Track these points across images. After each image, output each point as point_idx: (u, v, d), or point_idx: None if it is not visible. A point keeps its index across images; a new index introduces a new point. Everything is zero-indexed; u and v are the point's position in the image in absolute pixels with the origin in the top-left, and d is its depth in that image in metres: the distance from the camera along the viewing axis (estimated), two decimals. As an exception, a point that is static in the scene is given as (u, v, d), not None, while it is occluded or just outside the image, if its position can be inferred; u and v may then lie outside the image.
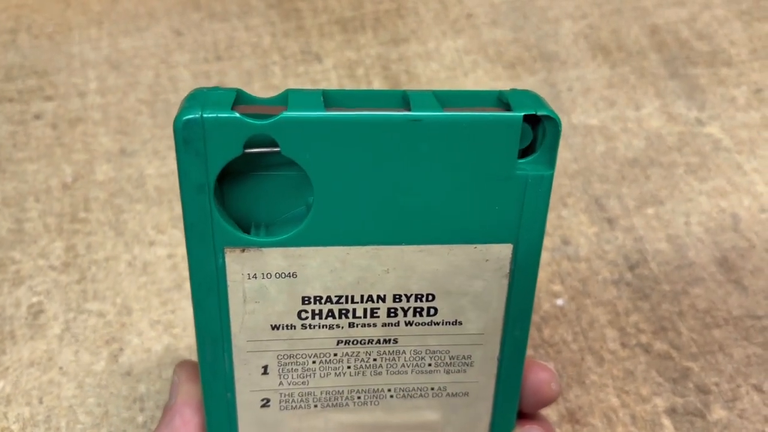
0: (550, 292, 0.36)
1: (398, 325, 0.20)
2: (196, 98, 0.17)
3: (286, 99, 0.18)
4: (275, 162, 0.18)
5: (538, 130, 0.19)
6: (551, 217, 0.38)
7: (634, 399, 0.33)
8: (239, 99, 0.18)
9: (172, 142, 0.41)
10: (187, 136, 0.17)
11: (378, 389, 0.21)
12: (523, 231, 0.19)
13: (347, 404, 0.21)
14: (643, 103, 0.43)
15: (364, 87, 0.43)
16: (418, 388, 0.21)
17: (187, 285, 0.36)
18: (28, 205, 0.38)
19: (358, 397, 0.21)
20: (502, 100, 0.19)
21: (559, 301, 0.35)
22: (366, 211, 0.19)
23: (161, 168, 0.40)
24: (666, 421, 0.32)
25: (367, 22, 0.46)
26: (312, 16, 0.46)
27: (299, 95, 0.18)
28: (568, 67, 0.45)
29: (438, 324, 0.20)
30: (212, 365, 0.20)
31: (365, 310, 0.20)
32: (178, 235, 0.37)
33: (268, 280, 0.19)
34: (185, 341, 0.34)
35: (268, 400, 0.21)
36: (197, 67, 0.44)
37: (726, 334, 0.35)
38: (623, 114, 0.43)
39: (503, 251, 0.19)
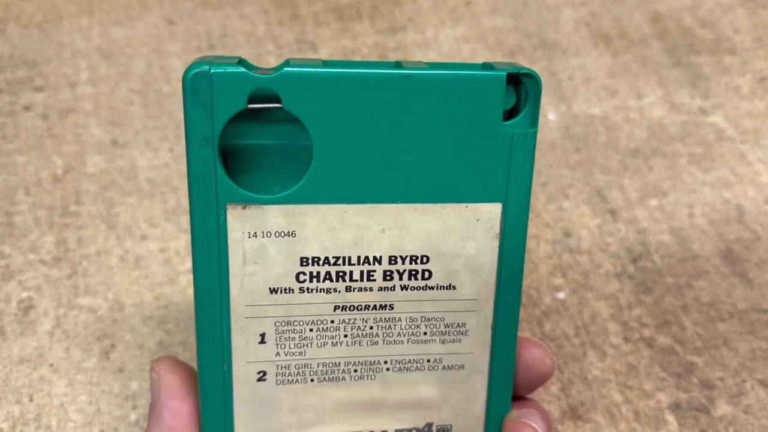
0: (552, 286, 0.35)
1: (394, 290, 0.21)
2: (204, 59, 0.19)
3: (287, 64, 0.19)
4: (277, 118, 0.19)
5: (521, 91, 0.20)
6: (552, 209, 0.38)
7: (638, 394, 0.32)
8: (243, 63, 0.19)
9: (165, 133, 0.40)
10: (195, 88, 0.18)
11: (374, 361, 0.22)
12: (511, 190, 0.20)
13: (344, 378, 0.22)
14: (645, 92, 0.42)
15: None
16: (414, 359, 0.22)
17: (181, 279, 0.35)
18: (17, 198, 0.37)
19: (355, 370, 0.22)
20: (486, 67, 0.20)
21: (561, 295, 0.35)
22: (362, 169, 0.20)
23: (153, 160, 0.39)
24: (670, 417, 0.31)
25: (364, 10, 0.45)
26: (307, 4, 0.45)
27: (300, 60, 0.19)
28: (569, 56, 0.44)
29: (432, 288, 0.21)
30: (210, 333, 0.20)
31: (362, 272, 0.21)
32: (171, 228, 0.37)
33: (267, 239, 0.20)
34: (178, 337, 0.33)
35: (265, 373, 0.21)
36: (190, 57, 0.43)
37: (731, 328, 0.34)
38: (625, 103, 0.42)
39: (493, 210, 0.21)
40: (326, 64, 0.19)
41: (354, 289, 0.21)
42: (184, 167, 0.39)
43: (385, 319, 0.21)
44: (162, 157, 0.39)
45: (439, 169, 0.20)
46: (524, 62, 0.43)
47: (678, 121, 0.41)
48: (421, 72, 0.19)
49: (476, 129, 0.20)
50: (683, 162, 0.39)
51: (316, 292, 0.21)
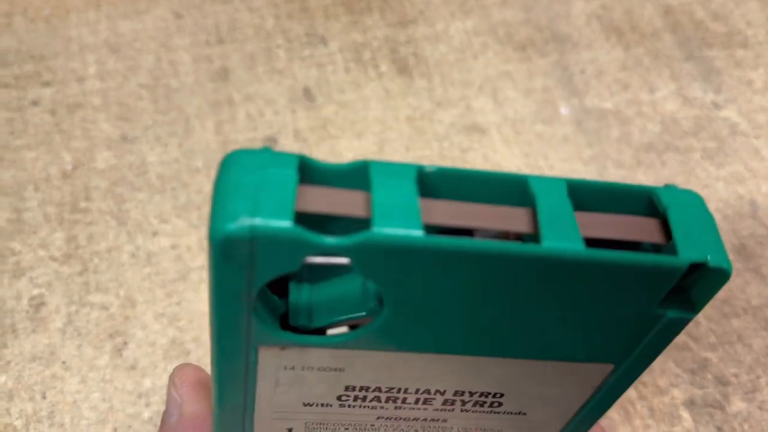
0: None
1: (453, 411, 0.17)
2: (242, 183, 0.12)
3: (366, 178, 0.12)
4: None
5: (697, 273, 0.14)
6: (565, 204, 0.37)
7: (652, 391, 0.32)
8: (303, 174, 0.12)
9: (174, 128, 0.40)
10: (228, 253, 0.12)
11: None
12: (632, 357, 0.15)
13: None
14: (657, 85, 0.42)
15: (371, 71, 0.42)
16: None
17: (193, 275, 0.35)
18: (27, 194, 0.37)
19: None
20: (656, 205, 0.13)
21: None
22: (443, 328, 0.14)
23: (163, 155, 0.39)
24: (684, 414, 0.31)
25: (374, 3, 0.45)
26: (316, -3, 0.45)
27: (385, 183, 0.12)
28: (581, 49, 0.43)
29: (499, 413, 0.17)
30: (227, 428, 0.17)
31: (417, 399, 0.17)
32: (182, 224, 0.36)
33: (309, 371, 0.15)
34: (191, 334, 0.33)
35: None
36: (198, 51, 0.43)
37: (745, 324, 0.34)
38: (638, 97, 0.41)
39: (601, 369, 0.16)
40: (423, 182, 0.13)
41: (405, 408, 0.17)
42: (194, 162, 0.38)
43: (434, 427, 0.18)
44: (172, 152, 0.39)
45: (549, 334, 0.15)
46: (535, 55, 0.43)
47: (691, 116, 0.41)
48: (566, 253, 0.12)
49: (618, 307, 0.14)
50: (696, 157, 0.39)
51: (359, 408, 0.17)
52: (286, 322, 0.15)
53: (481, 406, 0.17)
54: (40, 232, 0.36)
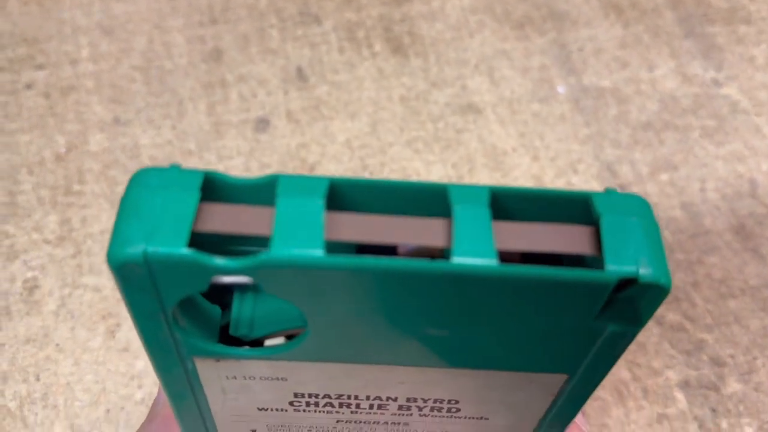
0: (559, 263, 0.35)
1: (411, 416, 0.17)
2: (139, 205, 0.11)
3: (272, 194, 0.12)
4: None
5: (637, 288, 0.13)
6: (561, 183, 0.37)
7: (646, 372, 0.32)
8: (207, 191, 0.12)
9: (167, 111, 0.40)
10: (127, 277, 0.12)
11: None
12: (586, 368, 0.14)
13: None
14: (657, 63, 0.41)
15: (364, 51, 0.42)
16: None
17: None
18: (21, 178, 0.37)
19: None
20: (592, 213, 0.12)
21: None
22: (371, 341, 0.14)
23: (156, 138, 0.38)
24: (679, 395, 0.31)
25: (369, -19, 0.44)
26: (311, -23, 0.45)
27: (291, 198, 0.12)
28: (579, 27, 0.43)
29: (459, 418, 0.17)
30: (193, 429, 0.17)
31: (371, 405, 0.16)
32: (175, 207, 0.36)
33: (252, 381, 0.15)
34: (184, 316, 0.33)
35: None
36: (192, 32, 0.42)
37: (742, 305, 0.33)
38: (636, 75, 0.41)
39: (555, 379, 0.15)
40: (333, 196, 0.12)
41: (362, 413, 0.16)
42: (188, 145, 0.38)
43: (397, 430, 0.17)
44: (165, 134, 0.39)
45: (488, 345, 0.14)
46: (533, 33, 0.42)
47: (690, 93, 0.40)
48: (475, 268, 0.11)
49: (552, 322, 0.13)
50: (695, 135, 0.39)
51: (315, 412, 0.16)
52: (227, 333, 0.15)
53: (439, 411, 0.16)
54: (33, 215, 0.36)
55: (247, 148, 0.38)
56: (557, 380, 0.15)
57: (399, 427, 0.17)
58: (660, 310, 0.33)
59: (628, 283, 0.12)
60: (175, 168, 0.12)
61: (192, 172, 0.12)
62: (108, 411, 0.31)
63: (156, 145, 0.38)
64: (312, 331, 0.13)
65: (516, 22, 0.43)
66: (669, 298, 0.33)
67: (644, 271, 0.11)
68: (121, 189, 0.37)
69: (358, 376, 0.15)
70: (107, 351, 0.32)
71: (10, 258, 0.35)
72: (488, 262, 0.11)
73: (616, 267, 0.11)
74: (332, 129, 0.39)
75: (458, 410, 0.16)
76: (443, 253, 0.12)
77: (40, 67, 0.41)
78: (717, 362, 0.32)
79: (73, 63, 0.41)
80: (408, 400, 0.16)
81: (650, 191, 0.37)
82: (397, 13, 0.43)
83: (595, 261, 0.12)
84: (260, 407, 0.16)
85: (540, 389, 0.15)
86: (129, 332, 0.33)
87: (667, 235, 0.35)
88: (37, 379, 0.31)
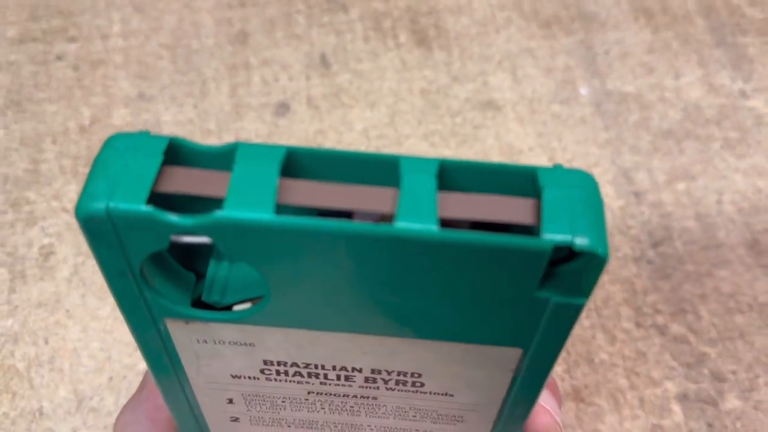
0: (566, 266, 0.34)
1: (378, 389, 0.17)
2: (107, 166, 0.12)
3: (231, 162, 0.13)
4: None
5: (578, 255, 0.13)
6: (574, 187, 0.37)
7: (645, 381, 0.31)
8: (171, 155, 0.13)
9: (191, 89, 0.40)
10: (94, 231, 0.13)
11: (358, 424, 0.19)
12: (539, 342, 0.15)
13: (323, 428, 0.19)
14: (684, 71, 0.40)
15: (389, 41, 0.42)
16: (402, 429, 0.19)
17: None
18: (45, 146, 0.38)
19: (336, 426, 0.19)
20: (536, 186, 0.13)
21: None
22: (330, 307, 0.14)
23: (178, 115, 0.39)
24: (676, 407, 0.31)
25: (399, -28, 0.44)
26: (341, -36, 0.45)
27: (248, 164, 0.12)
28: (608, 29, 0.42)
29: (425, 393, 0.17)
30: (173, 396, 0.18)
31: (338, 376, 0.17)
32: (191, 184, 0.37)
33: (222, 345, 0.16)
34: (191, 292, 0.34)
35: (238, 419, 0.19)
36: (220, 14, 0.43)
37: (749, 321, 0.33)
38: (661, 82, 0.40)
39: (510, 353, 0.15)
40: (290, 164, 0.13)
41: (330, 384, 0.17)
42: (208, 124, 0.39)
43: (367, 404, 0.18)
44: (187, 112, 0.39)
45: (442, 314, 0.14)
46: (560, 33, 0.42)
47: (715, 104, 0.39)
48: (417, 233, 0.12)
49: (497, 292, 0.14)
50: (717, 146, 0.38)
51: (286, 382, 0.17)
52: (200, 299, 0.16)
53: (404, 385, 0.17)
54: (54, 183, 0.37)
55: (266, 131, 0.38)
56: (513, 355, 0.15)
57: (368, 401, 0.18)
58: (665, 320, 0.33)
59: (569, 255, 0.13)
60: (145, 134, 0.13)
61: (159, 138, 0.13)
62: (111, 378, 0.31)
63: (177, 122, 0.39)
64: (273, 294, 0.14)
65: (543, 20, 0.42)
66: (674, 309, 0.33)
67: (581, 241, 0.12)
68: (140, 163, 0.38)
69: (322, 344, 0.15)
70: (115, 320, 0.33)
71: (29, 224, 0.36)
72: (429, 227, 0.12)
73: (551, 235, 0.12)
74: (350, 117, 0.39)
75: (422, 385, 0.17)
76: (390, 220, 0.12)
77: (72, 39, 0.42)
78: (718, 377, 0.32)
79: (104, 38, 0.42)
80: (373, 371, 0.16)
81: (665, 200, 0.36)
82: (424, 5, 0.43)
83: (538, 231, 0.12)
84: (233, 374, 0.17)
85: (498, 364, 0.16)
86: (137, 304, 0.33)
87: (678, 245, 0.35)
88: (46, 343, 0.32)
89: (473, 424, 0.18)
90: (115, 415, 0.31)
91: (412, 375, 0.16)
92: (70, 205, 0.36)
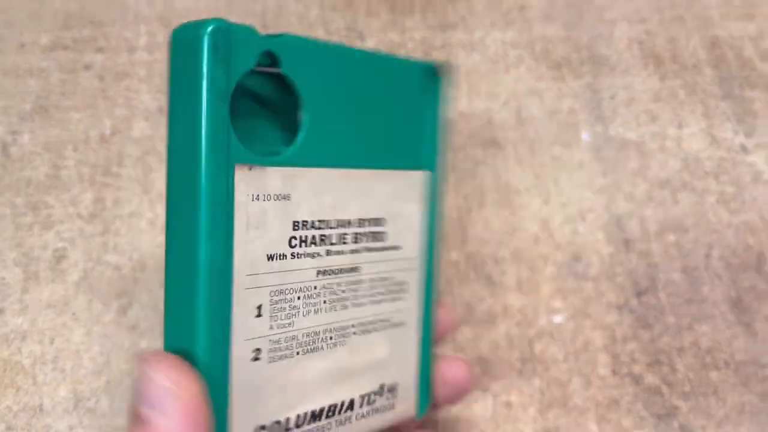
0: (550, 308, 0.36)
1: (360, 252, 0.24)
2: (201, 20, 0.20)
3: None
4: (269, 89, 0.22)
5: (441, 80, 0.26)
6: (566, 231, 0.38)
7: (614, 429, 0.32)
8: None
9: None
10: (216, 43, 0.19)
11: (345, 326, 0.24)
12: (430, 161, 0.26)
13: (321, 347, 0.23)
14: (687, 121, 0.41)
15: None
16: (372, 320, 0.24)
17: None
18: (66, 153, 0.40)
19: (330, 338, 0.23)
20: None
21: (557, 318, 0.35)
22: (341, 136, 0.23)
23: (193, 132, 0.41)
24: (642, 456, 0.32)
25: (417, 3, 0.46)
26: (362, -8, 0.46)
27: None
28: (616, 74, 0.43)
29: (386, 249, 0.25)
30: (215, 311, 0.19)
31: (338, 235, 0.23)
32: (199, 200, 0.39)
33: (267, 202, 0.21)
34: (190, 305, 0.36)
35: (259, 351, 0.21)
36: (242, 34, 0.45)
37: (724, 378, 0.34)
38: (664, 131, 0.41)
39: (419, 177, 0.26)
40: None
41: (332, 252, 0.23)
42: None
43: (353, 281, 0.24)
44: (201, 130, 0.41)
45: (387, 140, 0.24)
46: (569, 76, 0.43)
47: (716, 156, 0.40)
48: (371, 52, 0.24)
49: (405, 107, 0.25)
50: (712, 200, 0.39)
51: (304, 257, 0.22)
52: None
53: (375, 240, 0.24)
54: (72, 189, 0.39)
55: (274, 153, 0.40)
56: (420, 179, 0.26)
57: (354, 277, 0.24)
58: (640, 370, 0.34)
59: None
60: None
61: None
62: (108, 382, 0.34)
63: (191, 139, 0.41)
64: (308, 123, 0.22)
65: (554, 61, 0.43)
66: (651, 360, 0.34)
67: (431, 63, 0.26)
68: (155, 176, 0.40)
69: (332, 189, 0.23)
70: (117, 326, 0.35)
71: (46, 227, 0.38)
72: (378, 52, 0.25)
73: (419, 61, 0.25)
74: (356, 146, 0.40)
75: (386, 238, 0.25)
76: None
77: (100, 50, 0.44)
78: (687, 431, 0.32)
79: (130, 50, 0.44)
80: (360, 224, 0.24)
81: (654, 250, 0.37)
82: (439, 39, 0.44)
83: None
84: (269, 254, 0.21)
85: (415, 195, 0.26)
86: (139, 312, 0.35)
87: (662, 296, 0.36)
88: (51, 343, 0.35)
89: (413, 292, 0.26)
90: (110, 417, 0.33)
91: (379, 223, 0.24)
92: (85, 212, 0.38)
